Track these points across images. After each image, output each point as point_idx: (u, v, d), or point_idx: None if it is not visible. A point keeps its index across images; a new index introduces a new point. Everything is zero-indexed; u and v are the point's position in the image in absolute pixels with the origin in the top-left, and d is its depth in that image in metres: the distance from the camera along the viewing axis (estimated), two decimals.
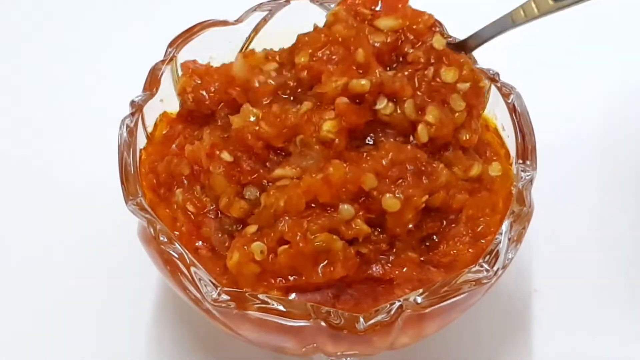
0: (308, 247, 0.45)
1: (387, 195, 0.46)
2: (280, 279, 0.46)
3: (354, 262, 0.46)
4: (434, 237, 0.49)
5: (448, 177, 0.48)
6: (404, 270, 0.47)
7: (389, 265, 0.47)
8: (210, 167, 0.48)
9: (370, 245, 0.47)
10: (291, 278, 0.46)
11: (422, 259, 0.48)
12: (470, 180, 0.50)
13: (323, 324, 0.43)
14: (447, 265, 0.48)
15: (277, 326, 0.44)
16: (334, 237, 0.46)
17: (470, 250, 0.48)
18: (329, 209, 0.46)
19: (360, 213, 0.46)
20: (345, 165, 0.46)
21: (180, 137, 0.52)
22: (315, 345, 0.46)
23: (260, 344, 0.50)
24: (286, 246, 0.46)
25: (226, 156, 0.48)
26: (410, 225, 0.47)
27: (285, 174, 0.47)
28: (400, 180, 0.47)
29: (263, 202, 0.47)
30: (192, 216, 0.49)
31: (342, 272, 0.46)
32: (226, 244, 0.48)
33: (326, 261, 0.46)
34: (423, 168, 0.47)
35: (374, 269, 0.47)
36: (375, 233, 0.47)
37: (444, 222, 0.49)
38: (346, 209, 0.46)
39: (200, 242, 0.49)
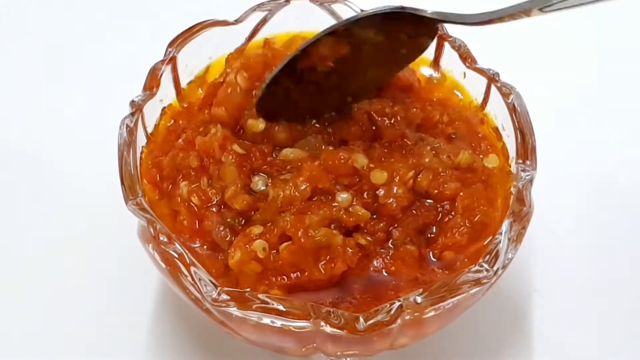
0: (309, 243, 0.46)
1: (375, 169, 0.49)
2: (282, 277, 0.46)
3: (355, 254, 0.47)
4: (432, 229, 0.50)
5: (432, 159, 0.50)
6: (405, 266, 0.48)
7: (389, 258, 0.48)
8: (222, 158, 0.50)
9: (368, 236, 0.48)
10: (293, 275, 0.46)
11: (421, 252, 0.49)
12: (461, 169, 0.51)
13: (323, 324, 0.43)
14: (448, 262, 0.48)
15: (277, 326, 0.44)
16: (334, 232, 0.47)
17: (468, 242, 0.49)
18: (328, 197, 0.49)
19: (356, 201, 0.49)
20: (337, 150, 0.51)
21: (188, 132, 0.53)
22: (315, 345, 0.46)
23: (260, 344, 0.50)
24: (288, 242, 0.46)
25: (237, 148, 0.50)
26: (404, 204, 0.49)
27: (294, 153, 0.51)
28: (386, 159, 0.50)
29: (271, 194, 0.48)
30: (195, 209, 0.50)
31: (343, 266, 0.47)
32: (227, 239, 0.48)
33: (327, 257, 0.47)
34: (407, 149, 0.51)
35: (375, 263, 0.48)
36: (372, 222, 0.49)
37: (440, 213, 0.50)
38: (344, 196, 0.48)
39: (200, 242, 0.49)
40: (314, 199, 0.49)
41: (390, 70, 0.53)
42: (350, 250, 0.47)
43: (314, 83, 0.51)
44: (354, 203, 0.48)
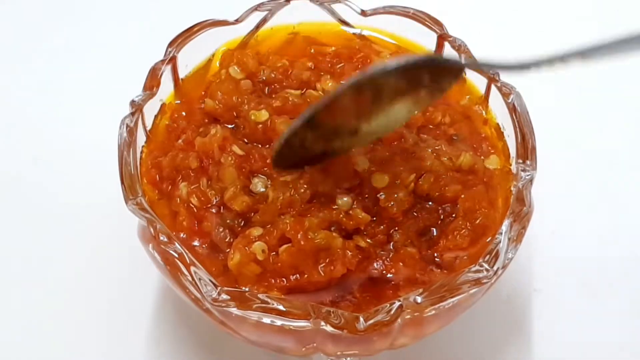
0: (309, 245, 0.46)
1: (376, 173, 0.49)
2: (281, 279, 0.46)
3: (354, 257, 0.47)
4: (433, 231, 0.49)
5: (434, 161, 0.50)
6: (405, 268, 0.48)
7: (389, 260, 0.48)
8: (221, 159, 0.50)
9: (368, 239, 0.48)
10: (292, 277, 0.46)
11: (422, 254, 0.49)
12: (462, 171, 0.51)
13: (323, 323, 0.43)
14: (448, 263, 0.48)
15: (276, 326, 0.44)
16: (334, 234, 0.47)
17: (470, 244, 0.48)
18: (329, 200, 0.48)
19: (357, 204, 0.48)
20: None
21: (187, 132, 0.53)
22: (315, 345, 0.46)
23: (260, 343, 0.50)
24: (288, 245, 0.46)
25: (237, 150, 0.50)
26: (405, 207, 0.49)
27: None
28: (387, 162, 0.50)
29: (270, 196, 0.48)
30: (194, 210, 0.49)
31: (342, 269, 0.47)
32: (227, 240, 0.48)
33: (327, 260, 0.46)
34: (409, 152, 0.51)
35: (375, 265, 0.48)
36: (373, 225, 0.49)
37: (441, 215, 0.50)
38: (344, 200, 0.48)
39: (199, 240, 0.49)
40: (313, 202, 0.49)
41: (409, 111, 0.50)
42: (350, 253, 0.47)
43: (332, 128, 0.49)
44: (355, 206, 0.48)
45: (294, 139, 0.48)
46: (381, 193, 0.49)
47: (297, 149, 0.48)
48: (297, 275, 0.47)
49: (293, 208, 0.48)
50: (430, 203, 0.50)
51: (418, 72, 0.45)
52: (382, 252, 0.48)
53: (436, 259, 0.49)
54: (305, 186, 0.48)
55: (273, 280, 0.47)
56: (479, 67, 0.50)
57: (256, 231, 0.47)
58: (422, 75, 0.46)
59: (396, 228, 0.49)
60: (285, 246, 0.47)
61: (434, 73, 0.46)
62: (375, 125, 0.49)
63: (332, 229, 0.48)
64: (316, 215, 0.47)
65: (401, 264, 0.48)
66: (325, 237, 0.47)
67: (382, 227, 0.49)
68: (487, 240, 0.48)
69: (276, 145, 0.48)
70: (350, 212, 0.48)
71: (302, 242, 0.46)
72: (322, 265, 0.47)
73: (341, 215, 0.48)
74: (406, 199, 0.49)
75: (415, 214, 0.49)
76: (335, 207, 0.48)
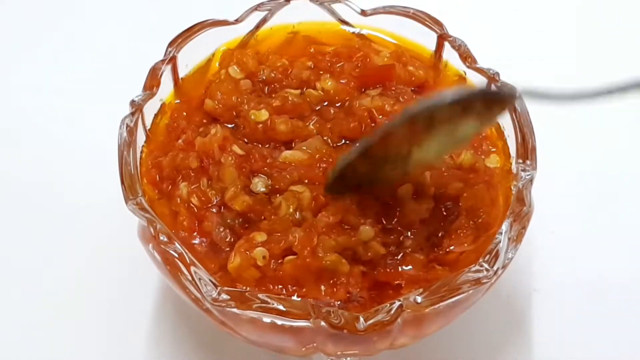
0: (315, 263, 0.46)
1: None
2: (280, 287, 0.46)
3: (358, 283, 0.47)
4: (439, 234, 0.49)
5: None
6: (410, 270, 0.48)
7: (396, 267, 0.48)
8: (221, 159, 0.50)
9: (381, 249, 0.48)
10: (291, 289, 0.46)
11: (428, 257, 0.49)
12: (463, 169, 0.51)
13: (323, 323, 0.43)
14: (452, 261, 0.48)
15: (277, 326, 0.44)
16: (343, 261, 0.46)
17: (473, 242, 0.48)
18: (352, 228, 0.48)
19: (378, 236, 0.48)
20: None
21: (187, 132, 0.53)
22: (315, 345, 0.46)
23: (260, 343, 0.50)
24: (293, 256, 0.46)
25: (237, 149, 0.50)
26: (426, 215, 0.49)
27: (294, 155, 0.50)
28: None
29: (283, 209, 0.48)
30: (195, 210, 0.49)
31: (344, 294, 0.46)
32: (227, 239, 0.48)
33: (331, 281, 0.46)
34: None
35: (381, 271, 0.48)
36: (384, 235, 0.48)
37: (444, 214, 0.50)
38: (367, 229, 0.47)
39: (199, 239, 0.49)
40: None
41: (459, 141, 0.49)
42: (353, 281, 0.47)
43: (384, 157, 0.48)
44: (376, 238, 0.47)
45: (347, 169, 0.48)
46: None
47: (349, 177, 0.48)
48: (296, 288, 0.46)
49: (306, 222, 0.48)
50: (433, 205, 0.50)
51: (472, 102, 0.45)
52: (389, 262, 0.48)
53: (441, 259, 0.49)
54: (330, 217, 0.48)
55: (272, 287, 0.46)
56: (535, 97, 0.50)
57: (260, 237, 0.47)
58: (475, 104, 0.46)
59: (408, 234, 0.49)
60: (290, 257, 0.46)
61: (487, 102, 0.46)
62: (426, 152, 0.48)
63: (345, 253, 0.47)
64: (335, 239, 0.47)
65: (407, 270, 0.48)
66: (334, 260, 0.46)
67: (392, 237, 0.48)
68: (490, 237, 0.48)
69: (331, 175, 0.48)
70: (371, 243, 0.47)
71: (309, 259, 0.46)
72: (324, 286, 0.46)
73: (359, 246, 0.47)
74: (428, 207, 0.49)
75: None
76: (356, 236, 0.47)
